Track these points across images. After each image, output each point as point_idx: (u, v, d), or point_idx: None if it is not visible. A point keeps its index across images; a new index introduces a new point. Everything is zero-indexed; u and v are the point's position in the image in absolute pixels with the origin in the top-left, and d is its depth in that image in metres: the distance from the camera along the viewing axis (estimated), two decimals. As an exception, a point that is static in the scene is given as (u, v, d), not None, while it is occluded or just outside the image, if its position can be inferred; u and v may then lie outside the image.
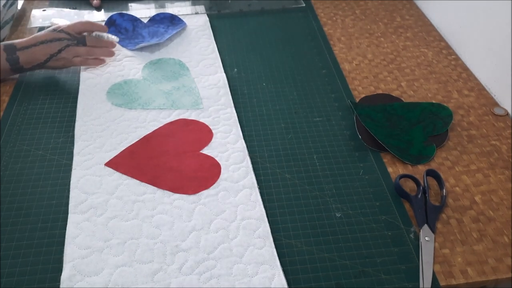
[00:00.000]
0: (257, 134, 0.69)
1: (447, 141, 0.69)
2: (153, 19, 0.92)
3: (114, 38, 0.81)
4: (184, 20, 0.92)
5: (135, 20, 0.91)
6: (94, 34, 0.80)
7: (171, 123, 0.70)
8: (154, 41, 0.86)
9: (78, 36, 0.78)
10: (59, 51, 0.75)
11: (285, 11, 0.99)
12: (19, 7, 0.98)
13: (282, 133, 0.70)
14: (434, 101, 0.76)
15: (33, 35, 0.76)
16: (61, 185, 0.61)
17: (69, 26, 0.77)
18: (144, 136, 0.68)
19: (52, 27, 0.77)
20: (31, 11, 0.97)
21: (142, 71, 0.81)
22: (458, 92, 0.78)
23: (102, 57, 0.81)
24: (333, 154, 0.66)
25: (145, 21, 0.92)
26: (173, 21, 0.92)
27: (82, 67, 0.81)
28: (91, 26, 0.79)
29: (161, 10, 0.97)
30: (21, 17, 0.96)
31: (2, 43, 0.73)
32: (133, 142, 0.67)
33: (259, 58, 0.85)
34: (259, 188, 0.61)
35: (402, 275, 0.52)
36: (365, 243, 0.55)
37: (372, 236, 0.56)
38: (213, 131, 0.69)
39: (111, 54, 0.82)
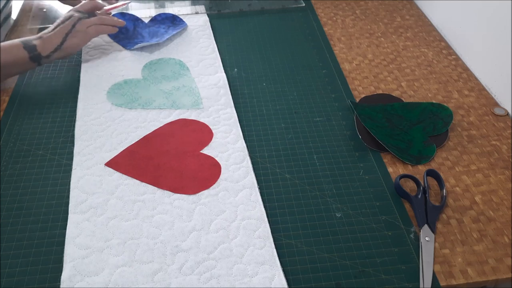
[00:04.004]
0: (257, 134, 0.69)
1: (447, 141, 0.69)
2: (155, 19, 0.92)
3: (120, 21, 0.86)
4: (184, 20, 0.92)
5: (136, 19, 0.91)
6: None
7: (171, 123, 0.70)
8: (153, 41, 0.86)
9: (89, 13, 0.81)
10: (73, 26, 0.77)
11: (285, 11, 0.99)
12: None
13: (282, 133, 0.70)
14: (434, 101, 0.76)
15: (49, 27, 0.77)
16: (61, 185, 0.61)
17: (79, 6, 0.80)
18: (144, 136, 0.68)
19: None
20: (31, 11, 0.97)
21: (142, 71, 0.81)
22: (458, 92, 0.78)
23: (112, 25, 0.83)
24: (333, 154, 0.66)
25: (147, 21, 0.92)
26: (174, 21, 0.91)
27: (82, 67, 0.81)
28: (98, 5, 0.83)
29: (161, 10, 0.97)
30: (21, 17, 0.96)
31: (18, 39, 0.74)
32: (133, 142, 0.67)
33: (259, 58, 0.85)
34: (259, 188, 0.61)
35: (402, 275, 0.52)
36: (365, 243, 0.55)
37: (372, 236, 0.56)
38: (213, 131, 0.69)
39: (122, 23, 0.84)
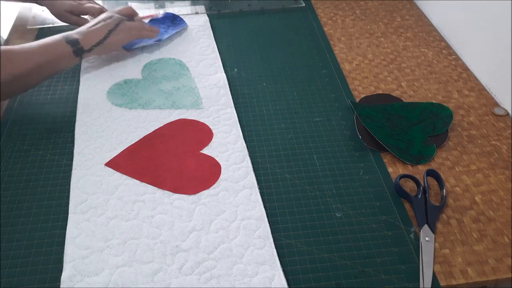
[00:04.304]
0: (257, 134, 0.69)
1: (447, 141, 0.69)
2: (155, 19, 0.92)
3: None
4: (184, 20, 0.92)
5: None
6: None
7: (171, 123, 0.70)
8: (152, 41, 0.86)
9: (127, 17, 0.82)
10: (117, 25, 0.78)
11: (285, 11, 0.99)
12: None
13: (282, 133, 0.70)
14: (434, 101, 0.76)
15: (84, 25, 0.78)
16: (61, 185, 0.61)
17: (118, 10, 0.82)
18: (144, 136, 0.68)
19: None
20: (31, 11, 0.97)
21: (142, 71, 0.81)
22: (458, 92, 0.78)
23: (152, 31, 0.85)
24: (333, 154, 0.66)
25: (147, 20, 0.92)
26: (174, 21, 0.91)
27: (82, 67, 0.81)
28: (134, 12, 0.86)
29: (161, 10, 0.97)
30: (21, 18, 0.96)
31: (56, 35, 0.74)
32: (133, 142, 0.67)
33: (259, 58, 0.85)
34: (259, 188, 0.61)
35: (402, 275, 0.52)
36: (365, 243, 0.55)
37: (372, 236, 0.56)
38: (213, 131, 0.69)
39: (157, 31, 0.86)
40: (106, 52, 0.80)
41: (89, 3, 0.90)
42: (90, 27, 0.77)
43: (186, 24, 0.91)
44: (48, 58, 0.70)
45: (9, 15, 0.97)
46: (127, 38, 0.80)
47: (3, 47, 0.66)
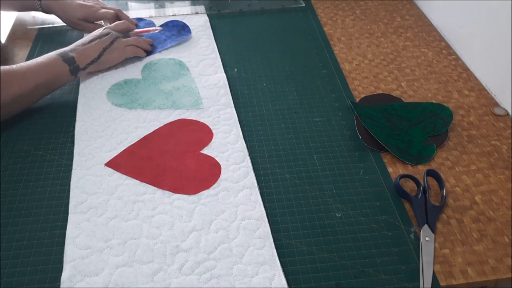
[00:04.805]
0: (257, 134, 0.69)
1: (447, 141, 0.69)
2: (166, 25, 0.91)
3: (157, 28, 0.90)
4: (184, 20, 0.92)
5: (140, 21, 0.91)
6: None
7: (171, 123, 0.70)
8: (155, 51, 0.85)
9: (123, 33, 0.81)
10: (111, 42, 0.77)
11: (285, 11, 0.99)
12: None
13: (282, 133, 0.70)
14: (434, 101, 0.76)
15: (79, 40, 0.76)
16: (61, 185, 0.61)
17: (113, 26, 0.81)
18: (144, 136, 0.68)
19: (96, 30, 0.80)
20: (31, 11, 0.97)
21: (142, 71, 0.81)
22: (458, 92, 0.78)
23: (144, 49, 0.84)
24: (333, 154, 0.66)
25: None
26: (181, 31, 0.90)
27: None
28: (130, 27, 0.84)
29: (161, 10, 0.97)
30: (21, 18, 0.96)
31: (53, 52, 0.73)
32: (133, 142, 0.67)
33: (259, 58, 0.85)
34: (259, 188, 0.61)
35: (402, 275, 0.52)
36: (365, 243, 0.55)
37: (372, 236, 0.56)
38: (213, 131, 0.69)
39: (150, 48, 0.85)
40: (99, 69, 0.79)
41: (103, 7, 0.88)
42: (85, 44, 0.75)
43: (190, 35, 0.89)
44: (47, 77, 0.70)
45: (9, 15, 0.97)
46: (121, 56, 0.79)
47: (2, 68, 0.65)
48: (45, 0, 0.86)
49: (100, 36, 0.77)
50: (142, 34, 0.87)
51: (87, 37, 0.77)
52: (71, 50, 0.74)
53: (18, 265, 0.52)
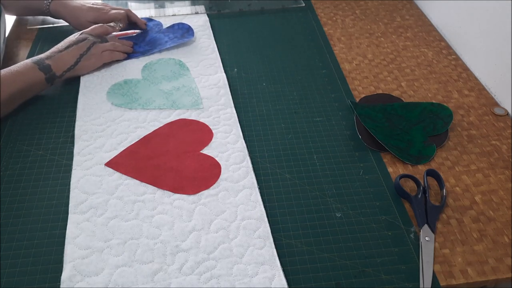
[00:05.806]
0: (257, 134, 0.69)
1: (447, 141, 0.69)
2: (172, 27, 0.91)
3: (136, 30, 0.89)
4: (184, 20, 0.92)
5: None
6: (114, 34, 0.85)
7: (171, 123, 0.70)
8: (156, 50, 0.85)
9: (100, 37, 0.80)
10: (88, 48, 0.77)
11: (285, 11, 0.99)
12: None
13: (282, 133, 0.70)
14: (434, 101, 0.76)
15: (55, 46, 0.76)
16: (61, 185, 0.61)
17: (90, 30, 0.80)
18: (144, 136, 0.68)
19: (73, 35, 0.79)
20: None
21: (142, 71, 0.81)
22: (458, 92, 0.78)
23: (123, 51, 0.83)
24: (333, 154, 0.66)
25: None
26: (185, 34, 0.89)
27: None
28: (108, 30, 0.82)
29: (161, 10, 0.97)
30: (21, 18, 0.96)
31: (29, 59, 0.72)
32: (133, 142, 0.67)
33: (259, 58, 0.85)
34: (259, 188, 0.61)
35: (402, 275, 0.52)
36: (365, 243, 0.55)
37: (372, 236, 0.56)
38: (213, 131, 0.69)
39: (130, 50, 0.84)
40: (77, 76, 0.78)
41: (113, 8, 0.87)
42: (62, 50, 0.75)
43: (192, 37, 0.88)
44: (21, 86, 0.69)
45: (8, 16, 0.97)
46: (99, 62, 0.79)
47: None
48: (54, 4, 0.85)
49: (76, 42, 0.76)
50: (121, 37, 0.86)
51: (63, 42, 0.76)
52: (47, 58, 0.73)
53: (18, 265, 0.52)
